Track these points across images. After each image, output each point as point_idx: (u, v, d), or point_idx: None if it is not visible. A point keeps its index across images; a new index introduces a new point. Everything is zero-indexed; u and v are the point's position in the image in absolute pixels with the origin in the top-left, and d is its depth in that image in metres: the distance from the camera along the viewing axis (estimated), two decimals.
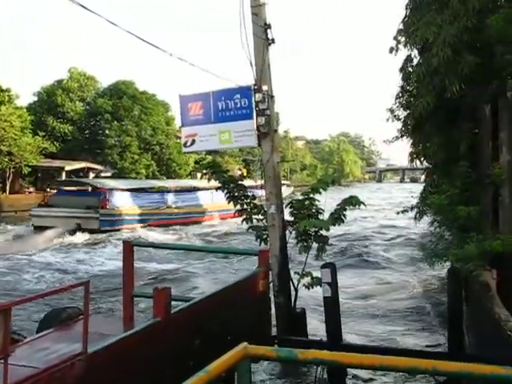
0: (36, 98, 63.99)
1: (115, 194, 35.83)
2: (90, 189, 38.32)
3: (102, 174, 59.18)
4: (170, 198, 39.47)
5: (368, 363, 3.36)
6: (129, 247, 9.25)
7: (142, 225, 36.22)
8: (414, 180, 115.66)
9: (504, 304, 7.63)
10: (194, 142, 11.37)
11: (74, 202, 34.71)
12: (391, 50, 12.35)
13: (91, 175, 56.88)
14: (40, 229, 33.31)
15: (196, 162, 65.13)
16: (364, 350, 8.25)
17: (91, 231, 32.70)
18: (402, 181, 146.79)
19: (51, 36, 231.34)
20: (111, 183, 38.84)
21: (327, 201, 11.65)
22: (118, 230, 34.33)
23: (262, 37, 10.23)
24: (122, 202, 36.05)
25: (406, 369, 3.54)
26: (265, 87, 10.31)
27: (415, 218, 15.05)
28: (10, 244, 29.49)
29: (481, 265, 8.83)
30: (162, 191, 41.43)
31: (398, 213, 17.10)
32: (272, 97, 10.45)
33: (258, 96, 10.27)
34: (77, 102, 62.79)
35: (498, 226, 9.05)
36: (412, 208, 16.22)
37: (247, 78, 10.56)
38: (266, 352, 3.58)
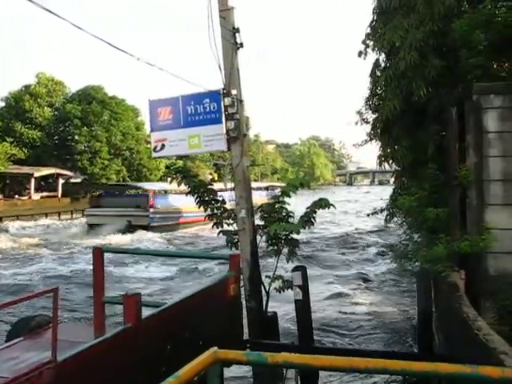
0: (3, 104, 63.23)
1: (159, 196, 41.67)
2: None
3: (72, 180, 58.70)
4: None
5: (337, 365, 3.38)
6: (98, 253, 9.16)
7: (178, 222, 42.23)
8: (381, 183, 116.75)
9: (472, 304, 7.74)
10: (163, 146, 11.30)
11: (124, 203, 41.06)
12: (360, 54, 12.46)
13: (60, 181, 56.39)
14: (94, 226, 38.87)
15: (167, 167, 64.88)
16: (335, 352, 8.29)
17: (141, 227, 38.07)
18: (372, 183, 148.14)
19: (18, 40, 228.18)
20: (153, 186, 44.75)
21: (304, 204, 11.68)
22: (163, 226, 39.74)
23: (231, 41, 10.22)
24: (165, 202, 41.68)
25: (375, 370, 3.56)
26: (234, 91, 10.30)
27: (385, 220, 15.21)
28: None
29: (449, 266, 8.93)
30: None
31: (368, 215, 17.25)
32: (241, 101, 10.44)
33: (227, 100, 10.26)
34: (45, 108, 62.21)
35: (466, 228, 9.15)
36: (382, 210, 16.40)
37: (219, 83, 10.55)
38: (236, 356, 3.57)
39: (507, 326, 7.37)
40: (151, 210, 39.44)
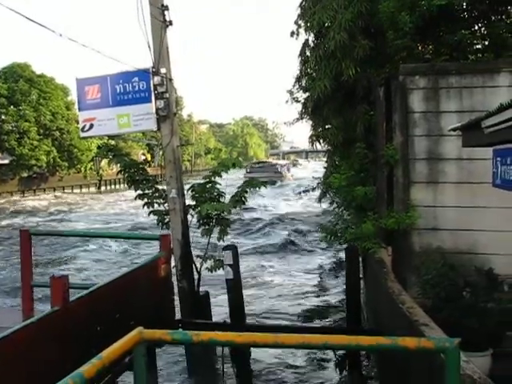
0: None
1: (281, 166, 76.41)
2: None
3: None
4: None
5: (262, 341, 3.41)
6: (26, 236, 8.94)
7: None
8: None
9: (398, 279, 7.97)
10: (92, 126, 11.06)
11: (264, 170, 71.02)
12: (292, 34, 12.48)
13: None
14: None
15: (98, 148, 63.55)
16: (264, 329, 8.40)
17: (275, 183, 62.34)
18: (307, 160, 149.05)
19: None
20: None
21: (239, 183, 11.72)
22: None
23: (160, 19, 10.06)
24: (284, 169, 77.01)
25: (299, 345, 3.63)
26: (163, 70, 10.17)
27: (318, 199, 15.44)
28: None
29: (377, 243, 9.15)
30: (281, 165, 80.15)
31: (299, 193, 17.45)
32: (171, 80, 10.33)
33: (157, 79, 10.12)
34: None
35: (393, 205, 9.38)
36: (313, 189, 16.62)
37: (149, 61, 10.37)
38: (161, 335, 3.57)
39: (430, 299, 7.63)
40: (281, 174, 74.01)
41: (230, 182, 11.74)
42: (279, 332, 3.74)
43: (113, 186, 71.33)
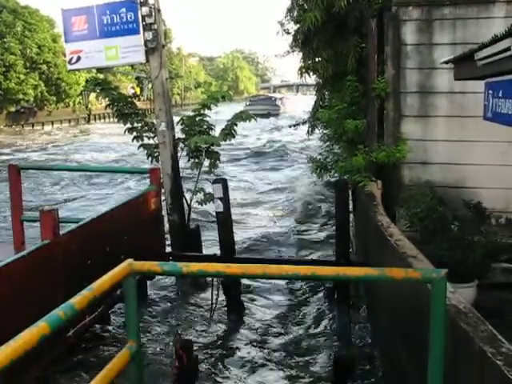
0: None
1: (278, 99, 79.47)
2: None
3: None
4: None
5: (250, 272, 3.44)
6: (14, 171, 8.90)
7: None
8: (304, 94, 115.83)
9: (387, 212, 8.03)
10: (79, 58, 10.86)
11: (264, 103, 74.64)
12: None
13: None
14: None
15: (87, 81, 62.44)
16: (254, 262, 8.47)
17: (274, 115, 68.28)
18: (297, 93, 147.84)
19: None
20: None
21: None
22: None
23: None
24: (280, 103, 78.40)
25: (287, 276, 3.67)
26: (151, 1, 9.92)
27: (308, 132, 15.37)
28: None
29: (367, 176, 9.16)
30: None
31: (290, 126, 17.34)
32: (159, 10, 10.09)
33: (145, 10, 9.89)
34: None
35: (384, 139, 9.36)
36: (304, 122, 16.53)
37: None
38: (150, 267, 3.59)
39: (417, 231, 7.71)
40: (279, 107, 77.17)
41: (228, 116, 11.61)
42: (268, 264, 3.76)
43: (102, 120, 70.52)
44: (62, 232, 6.67)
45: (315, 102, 14.28)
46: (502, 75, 4.96)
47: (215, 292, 9.16)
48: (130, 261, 3.48)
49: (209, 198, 10.52)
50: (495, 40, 4.54)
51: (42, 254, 6.21)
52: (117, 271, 3.40)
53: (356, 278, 3.50)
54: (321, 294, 9.98)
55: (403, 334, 5.61)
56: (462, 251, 7.00)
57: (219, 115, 11.90)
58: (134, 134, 11.29)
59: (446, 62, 6.87)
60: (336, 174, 10.79)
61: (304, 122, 16.49)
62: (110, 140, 42.52)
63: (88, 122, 69.14)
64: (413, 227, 7.89)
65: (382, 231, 6.73)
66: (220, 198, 8.93)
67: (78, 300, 2.95)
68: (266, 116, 63.33)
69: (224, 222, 9.23)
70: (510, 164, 8.68)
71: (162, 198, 9.90)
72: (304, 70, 11.67)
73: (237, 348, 8.23)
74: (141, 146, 11.33)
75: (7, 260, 5.78)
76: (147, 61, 10.31)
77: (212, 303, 9.16)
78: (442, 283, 3.09)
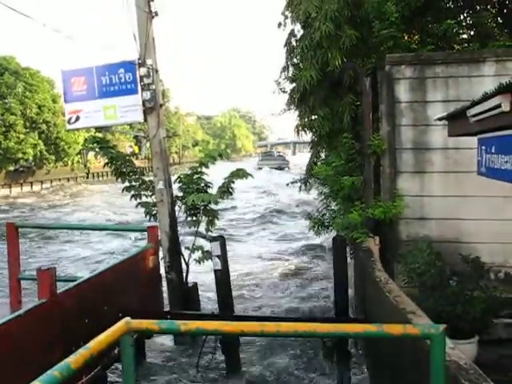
0: None
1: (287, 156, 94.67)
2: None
3: None
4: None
5: (249, 330, 3.43)
6: (12, 229, 8.92)
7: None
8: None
9: (385, 268, 8.01)
10: (78, 118, 11.03)
11: (276, 159, 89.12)
12: (279, 25, 12.49)
13: None
14: (260, 169, 76.90)
15: (86, 140, 62.94)
16: (253, 319, 8.40)
17: (282, 169, 79.86)
18: (294, 154, 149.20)
19: None
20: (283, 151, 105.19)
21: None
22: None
23: (145, 9, 10.02)
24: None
25: (286, 333, 3.64)
26: (149, 61, 10.14)
27: (301, 188, 15.42)
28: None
29: (364, 232, 9.19)
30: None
31: (287, 184, 17.43)
32: (157, 71, 10.30)
33: (143, 70, 10.10)
34: None
35: (380, 195, 9.42)
36: (301, 180, 16.62)
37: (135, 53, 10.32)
38: (148, 325, 3.57)
39: (416, 287, 7.67)
40: (288, 162, 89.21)
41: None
42: (267, 322, 3.75)
43: (100, 178, 70.85)
44: (59, 291, 6.65)
45: (310, 158, 14.41)
46: (494, 131, 5.04)
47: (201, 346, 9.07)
48: (127, 319, 3.47)
49: (207, 256, 10.50)
50: (486, 97, 4.63)
51: (38, 312, 6.18)
52: (114, 330, 3.38)
53: (355, 334, 3.49)
54: (320, 354, 9.85)
55: None
56: (461, 306, 6.95)
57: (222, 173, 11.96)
58: (132, 192, 11.36)
59: (440, 119, 6.99)
60: (333, 231, 10.80)
61: (301, 180, 16.59)
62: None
63: (87, 178, 69.55)
64: (411, 283, 7.85)
65: (380, 287, 6.71)
66: (218, 256, 8.92)
67: (75, 359, 2.92)
68: (280, 169, 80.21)
69: (222, 280, 9.18)
70: (506, 218, 8.73)
71: (160, 255, 9.89)
72: (301, 128, 11.84)
73: None
74: (139, 204, 11.37)
75: (3, 319, 5.73)
76: (145, 120, 10.47)
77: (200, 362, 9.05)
78: (441, 339, 3.08)
